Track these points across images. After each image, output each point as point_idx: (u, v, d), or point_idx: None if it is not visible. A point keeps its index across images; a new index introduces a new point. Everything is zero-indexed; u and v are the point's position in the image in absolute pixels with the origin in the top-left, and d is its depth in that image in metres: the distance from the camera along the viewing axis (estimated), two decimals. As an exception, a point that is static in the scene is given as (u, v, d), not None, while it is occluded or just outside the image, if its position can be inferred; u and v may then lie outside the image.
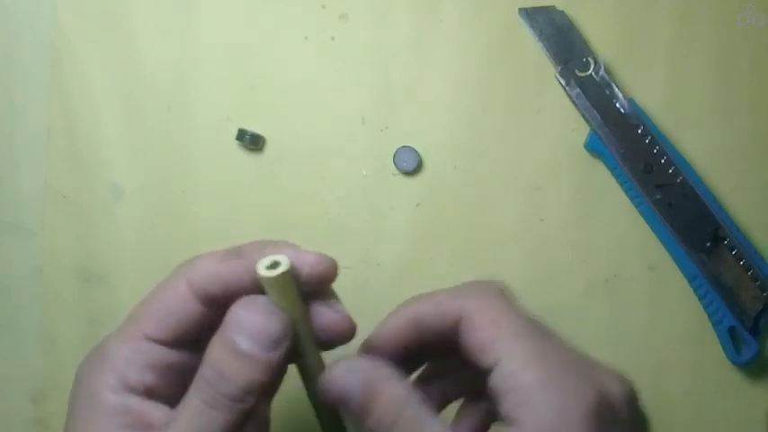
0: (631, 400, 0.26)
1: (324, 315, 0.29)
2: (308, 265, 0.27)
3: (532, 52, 0.44)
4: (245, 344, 0.25)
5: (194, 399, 0.25)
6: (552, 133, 0.44)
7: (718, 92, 0.45)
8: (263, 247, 0.28)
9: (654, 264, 0.44)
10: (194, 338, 0.28)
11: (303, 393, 0.30)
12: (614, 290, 0.44)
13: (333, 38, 0.44)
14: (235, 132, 0.44)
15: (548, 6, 0.43)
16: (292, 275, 0.27)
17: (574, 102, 0.43)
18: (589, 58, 0.43)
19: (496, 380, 0.25)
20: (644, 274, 0.44)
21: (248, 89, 0.44)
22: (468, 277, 0.43)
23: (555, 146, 0.44)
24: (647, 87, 0.44)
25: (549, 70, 0.44)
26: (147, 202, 0.42)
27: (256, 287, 0.27)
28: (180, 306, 0.28)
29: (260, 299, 0.26)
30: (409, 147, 0.44)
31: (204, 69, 0.44)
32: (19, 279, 0.44)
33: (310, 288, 0.28)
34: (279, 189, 0.44)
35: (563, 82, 0.43)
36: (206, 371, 0.26)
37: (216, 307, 0.28)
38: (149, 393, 0.28)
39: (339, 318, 0.29)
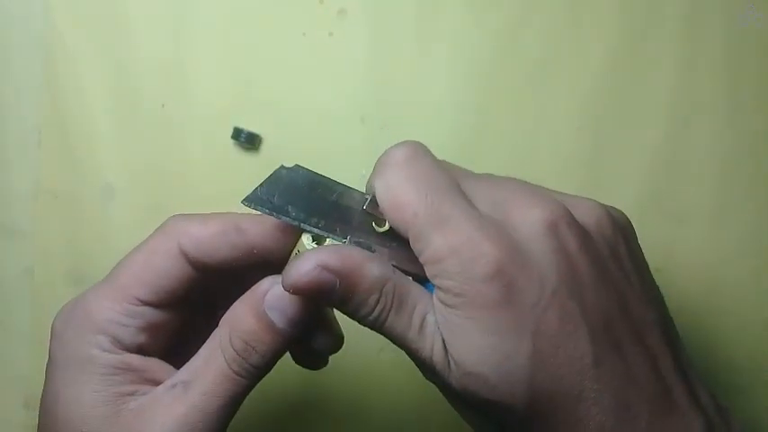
0: (552, 226, 0.26)
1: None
2: None
3: (533, 51, 0.44)
4: (280, 320, 0.27)
5: (220, 364, 0.27)
6: (553, 131, 0.44)
7: (723, 93, 0.44)
8: (262, 222, 0.29)
9: (660, 266, 0.43)
10: (183, 299, 0.29)
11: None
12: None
13: (331, 34, 0.44)
14: (230, 131, 0.43)
15: (272, 176, 0.28)
16: None
17: None
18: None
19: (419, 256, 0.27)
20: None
21: (244, 86, 0.44)
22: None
23: (556, 144, 0.44)
24: (652, 87, 0.44)
25: (553, 68, 0.43)
26: (140, 203, 0.41)
27: (256, 259, 0.29)
28: (171, 270, 0.29)
29: None
30: (409, 145, 0.43)
31: (199, 66, 0.44)
32: (10, 280, 0.43)
33: None
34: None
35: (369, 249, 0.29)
36: (235, 341, 0.27)
37: (205, 271, 0.29)
38: (143, 351, 0.29)
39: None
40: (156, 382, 0.28)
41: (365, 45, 0.44)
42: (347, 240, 0.28)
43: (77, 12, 0.44)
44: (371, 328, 0.28)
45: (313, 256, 0.26)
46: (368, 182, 0.28)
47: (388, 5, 0.44)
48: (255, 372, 0.28)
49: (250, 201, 0.27)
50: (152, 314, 0.29)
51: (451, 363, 0.26)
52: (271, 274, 0.28)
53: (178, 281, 0.29)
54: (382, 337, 0.42)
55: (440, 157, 0.43)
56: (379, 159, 0.28)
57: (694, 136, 0.44)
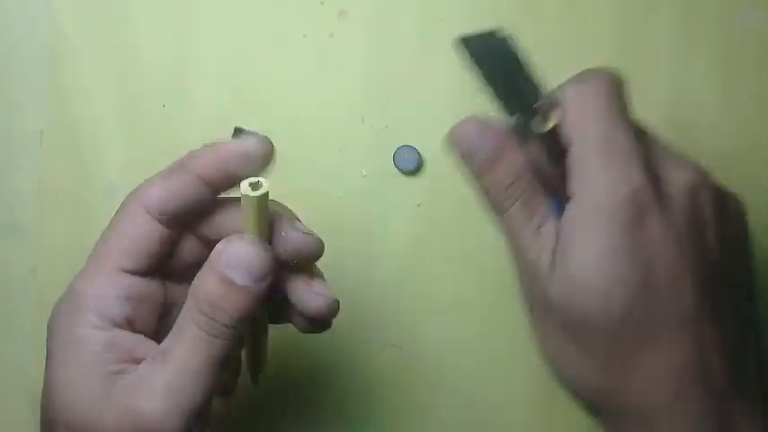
0: (696, 188, 0.29)
1: (294, 237, 0.30)
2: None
3: (532, 51, 0.44)
4: (240, 278, 0.27)
5: (193, 328, 0.28)
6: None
7: (720, 93, 0.44)
8: (202, 155, 0.30)
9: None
10: (161, 263, 0.30)
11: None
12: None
13: (332, 35, 0.44)
14: (231, 131, 0.43)
15: (487, 33, 0.32)
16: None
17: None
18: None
19: (569, 157, 0.29)
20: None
21: (245, 87, 0.44)
22: (469, 277, 0.43)
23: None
24: (648, 87, 0.44)
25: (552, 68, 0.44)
26: None
27: (208, 197, 0.30)
28: (144, 232, 0.29)
29: (246, 236, 0.28)
30: (409, 146, 0.44)
31: (201, 67, 0.44)
32: (14, 279, 0.44)
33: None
34: (277, 189, 0.44)
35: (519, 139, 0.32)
36: (202, 304, 0.28)
37: (176, 225, 0.30)
38: (131, 326, 0.29)
39: (309, 238, 0.31)
40: (141, 361, 0.29)
41: (366, 46, 0.44)
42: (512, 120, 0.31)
43: (81, 13, 0.44)
44: (493, 210, 0.31)
45: (477, 121, 0.30)
46: (560, 87, 0.31)
47: (388, 7, 0.44)
48: (229, 331, 0.28)
49: (466, 42, 0.31)
50: (136, 282, 0.29)
51: (558, 267, 0.28)
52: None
53: (153, 241, 0.29)
54: (384, 336, 0.43)
55: (440, 157, 0.44)
56: (587, 71, 0.31)
57: (690, 136, 0.44)
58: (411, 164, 0.43)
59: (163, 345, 0.28)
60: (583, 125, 0.29)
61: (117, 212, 0.31)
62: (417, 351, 0.43)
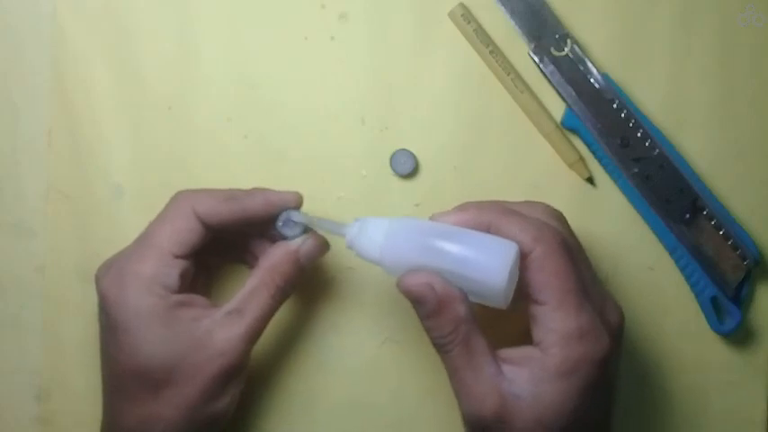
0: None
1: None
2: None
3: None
4: (306, 264, 0.39)
5: (265, 294, 0.38)
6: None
7: (718, 92, 0.45)
8: (254, 195, 0.39)
9: (653, 265, 0.44)
10: (197, 252, 0.39)
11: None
12: (614, 288, 0.44)
13: (332, 38, 0.45)
14: (235, 133, 0.44)
15: None
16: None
17: (548, 79, 0.44)
18: (562, 35, 0.43)
19: (541, 313, 0.34)
20: (644, 273, 0.44)
21: (248, 89, 0.44)
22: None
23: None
24: (648, 87, 0.45)
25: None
26: (148, 203, 0.42)
27: (245, 223, 0.39)
28: (192, 229, 0.38)
29: (303, 239, 0.39)
30: (405, 150, 0.44)
31: (205, 69, 0.44)
32: (22, 278, 0.44)
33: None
34: (280, 188, 0.44)
35: (536, 59, 0.43)
36: (278, 279, 0.38)
37: (213, 231, 0.39)
38: (180, 292, 0.38)
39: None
40: (217, 307, 0.38)
41: (366, 49, 0.44)
42: None
43: (85, 16, 0.44)
44: (437, 349, 0.35)
45: (428, 276, 0.34)
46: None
47: (388, 10, 0.44)
48: (286, 296, 0.39)
49: None
50: (182, 263, 0.38)
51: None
52: (256, 238, 0.41)
53: (197, 237, 0.38)
54: (384, 329, 0.44)
55: (440, 158, 0.44)
56: (533, 218, 0.35)
57: (688, 137, 0.44)
58: (407, 167, 0.44)
59: (235, 304, 0.38)
60: (559, 291, 0.33)
61: (170, 206, 0.39)
62: (417, 346, 0.44)
